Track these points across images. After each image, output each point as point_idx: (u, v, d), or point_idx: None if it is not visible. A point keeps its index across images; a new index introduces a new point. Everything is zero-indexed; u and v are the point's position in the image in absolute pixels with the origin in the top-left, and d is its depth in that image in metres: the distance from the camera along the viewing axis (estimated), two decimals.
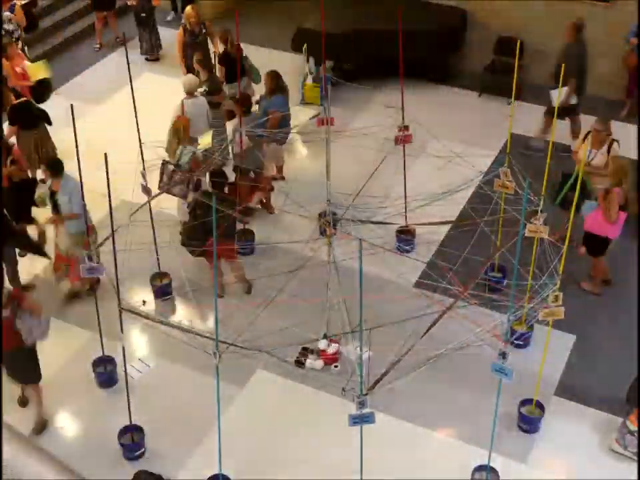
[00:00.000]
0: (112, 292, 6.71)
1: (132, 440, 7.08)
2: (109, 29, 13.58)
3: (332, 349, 7.80)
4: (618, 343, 8.04)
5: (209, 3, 13.75)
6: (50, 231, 8.32)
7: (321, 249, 7.77)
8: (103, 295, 7.85)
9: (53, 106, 11.80)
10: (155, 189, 8.09)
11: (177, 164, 8.62)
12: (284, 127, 9.71)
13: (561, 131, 7.98)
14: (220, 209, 6.82)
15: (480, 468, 6.75)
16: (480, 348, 6.03)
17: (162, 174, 8.49)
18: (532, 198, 6.89)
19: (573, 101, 10.17)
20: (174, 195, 8.58)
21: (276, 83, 9.74)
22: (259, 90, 10.56)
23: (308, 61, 12.14)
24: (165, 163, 8.51)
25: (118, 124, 10.26)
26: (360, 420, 5.56)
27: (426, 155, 9.68)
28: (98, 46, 13.31)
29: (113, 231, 6.63)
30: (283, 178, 10.10)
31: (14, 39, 11.71)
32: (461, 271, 7.38)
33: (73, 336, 8.18)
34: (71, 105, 6.70)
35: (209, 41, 11.51)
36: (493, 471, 6.69)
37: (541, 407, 7.27)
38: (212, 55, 11.43)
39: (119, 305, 6.61)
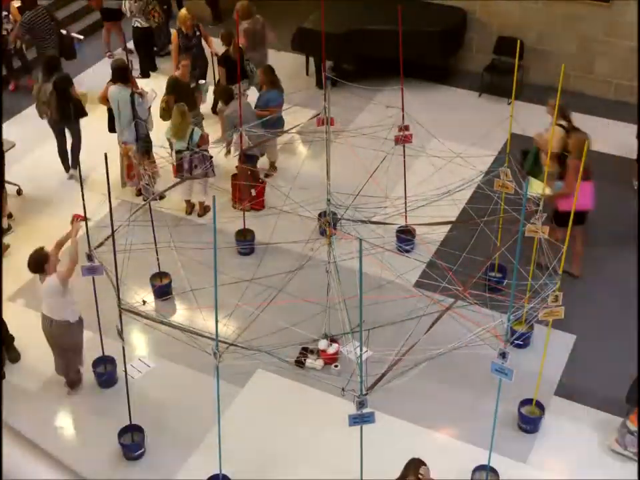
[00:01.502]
0: (112, 292, 6.70)
1: (132, 440, 7.08)
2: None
3: (332, 349, 7.80)
4: (618, 343, 8.03)
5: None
6: None
7: (321, 249, 7.77)
8: (103, 295, 7.85)
9: None
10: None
11: (187, 147, 8.92)
12: (279, 122, 9.95)
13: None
14: None
15: (480, 468, 6.75)
16: (480, 348, 6.03)
17: (180, 162, 8.73)
18: (531, 197, 6.90)
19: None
20: (196, 178, 8.98)
21: (269, 78, 10.01)
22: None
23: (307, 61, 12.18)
24: (179, 151, 8.76)
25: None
26: (360, 420, 5.56)
27: (426, 155, 9.67)
28: (109, 53, 13.22)
29: (113, 230, 6.63)
30: (274, 171, 10.35)
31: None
32: (461, 271, 7.38)
33: None
34: (72, 104, 6.69)
35: (203, 43, 11.53)
36: (492, 471, 6.69)
37: (540, 406, 7.26)
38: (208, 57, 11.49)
39: (119, 305, 6.61)
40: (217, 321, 5.74)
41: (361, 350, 5.44)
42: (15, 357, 7.96)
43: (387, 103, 9.11)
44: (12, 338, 7.97)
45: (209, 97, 11.43)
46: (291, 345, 7.37)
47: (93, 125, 10.69)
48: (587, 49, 11.67)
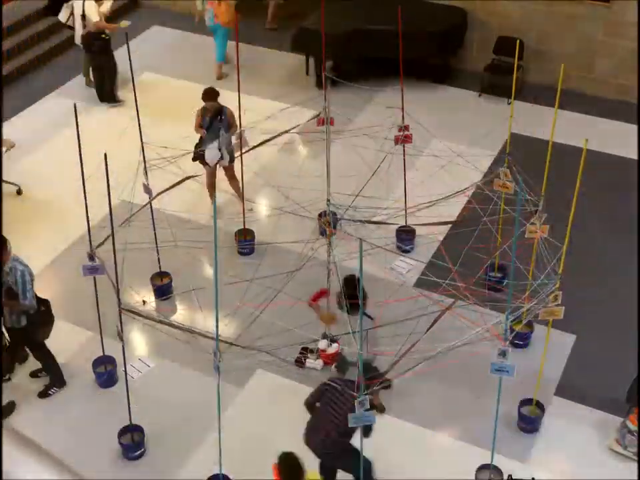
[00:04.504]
0: (112, 292, 6.71)
1: (132, 440, 7.08)
2: None
3: (332, 349, 7.81)
4: (618, 343, 8.04)
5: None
6: None
7: (321, 249, 7.77)
8: (103, 294, 7.86)
9: (55, 105, 11.86)
10: (156, 189, 8.08)
11: None
12: None
13: (561, 127, 7.99)
14: None
15: (483, 467, 6.75)
16: (480, 348, 6.04)
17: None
18: (531, 198, 6.90)
19: None
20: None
21: None
22: None
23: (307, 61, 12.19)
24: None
25: (119, 123, 10.27)
26: (360, 420, 5.56)
27: (426, 155, 9.69)
28: None
29: (113, 230, 6.63)
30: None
31: None
32: (461, 271, 7.38)
33: (73, 336, 8.19)
34: (74, 104, 6.70)
35: None
36: (496, 470, 6.69)
37: (540, 407, 7.27)
38: None
39: (119, 305, 6.61)
40: (217, 320, 5.72)
41: (361, 350, 5.44)
42: (23, 356, 7.94)
43: (386, 103, 9.10)
44: None
45: None
46: (291, 345, 7.37)
47: (90, 125, 10.71)
48: (587, 49, 11.68)
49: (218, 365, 5.79)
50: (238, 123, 8.64)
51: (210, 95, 9.18)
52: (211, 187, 9.63)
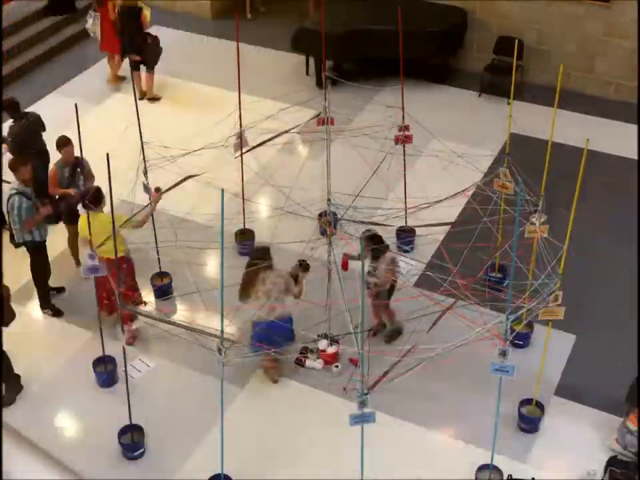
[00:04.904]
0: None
1: (132, 440, 7.08)
2: None
3: (332, 349, 7.80)
4: (618, 343, 8.04)
5: (213, 3, 13.81)
6: None
7: (321, 249, 7.77)
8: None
9: (55, 105, 11.85)
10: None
11: None
12: None
13: (561, 127, 7.99)
14: None
15: (483, 467, 6.75)
16: (480, 348, 6.04)
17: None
18: (529, 198, 6.90)
19: None
20: None
21: None
22: None
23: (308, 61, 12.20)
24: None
25: (119, 123, 10.26)
26: (360, 419, 5.56)
27: (426, 155, 9.69)
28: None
29: (114, 230, 6.63)
30: None
31: None
32: (461, 271, 7.38)
33: (73, 336, 8.19)
34: (75, 104, 6.70)
35: None
36: (496, 469, 6.69)
37: (540, 407, 7.27)
38: None
39: (120, 305, 6.62)
40: (222, 315, 5.70)
41: (362, 350, 5.44)
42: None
43: (387, 103, 9.11)
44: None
45: None
46: (292, 344, 7.38)
47: (90, 124, 10.70)
48: (587, 49, 11.69)
49: (223, 361, 5.75)
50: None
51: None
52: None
